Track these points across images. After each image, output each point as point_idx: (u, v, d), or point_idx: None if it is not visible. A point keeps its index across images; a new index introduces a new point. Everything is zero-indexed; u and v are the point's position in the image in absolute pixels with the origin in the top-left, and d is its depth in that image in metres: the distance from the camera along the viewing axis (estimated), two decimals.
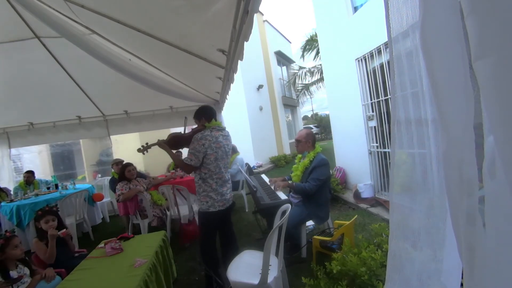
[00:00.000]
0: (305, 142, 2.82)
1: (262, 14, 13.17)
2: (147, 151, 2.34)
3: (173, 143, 2.34)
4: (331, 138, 6.74)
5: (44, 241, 2.27)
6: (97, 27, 2.44)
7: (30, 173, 4.52)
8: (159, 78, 3.11)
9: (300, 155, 2.96)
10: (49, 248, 2.23)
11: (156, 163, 5.72)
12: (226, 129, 2.45)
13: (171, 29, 2.04)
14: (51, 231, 2.27)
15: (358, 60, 4.43)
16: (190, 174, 3.58)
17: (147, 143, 2.33)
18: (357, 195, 4.38)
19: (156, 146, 2.33)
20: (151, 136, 3.24)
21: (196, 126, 2.42)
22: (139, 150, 2.31)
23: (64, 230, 2.39)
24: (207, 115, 2.34)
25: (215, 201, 2.20)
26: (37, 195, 4.16)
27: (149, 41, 2.19)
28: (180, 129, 2.60)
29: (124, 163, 3.88)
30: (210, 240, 2.29)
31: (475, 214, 0.47)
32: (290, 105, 15.56)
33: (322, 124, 22.86)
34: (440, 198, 0.68)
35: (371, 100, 4.30)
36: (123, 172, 3.58)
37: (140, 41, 2.31)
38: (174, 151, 2.34)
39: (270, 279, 1.70)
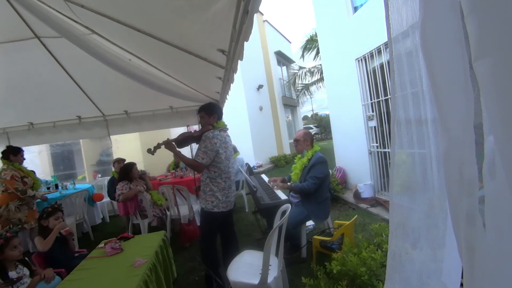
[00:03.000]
0: (304, 141, 2.83)
1: (262, 14, 13.16)
2: (156, 151, 2.31)
3: (183, 142, 2.36)
4: (331, 138, 6.74)
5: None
6: (97, 27, 2.44)
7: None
8: (159, 78, 3.10)
9: (299, 155, 2.96)
10: (49, 236, 2.27)
11: (156, 163, 5.72)
12: (228, 130, 2.47)
13: (171, 29, 2.04)
14: (62, 224, 2.36)
15: (358, 60, 4.43)
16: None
17: (158, 143, 2.31)
18: (357, 195, 4.38)
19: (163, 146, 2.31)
20: (151, 136, 3.24)
21: (199, 127, 2.42)
22: (149, 151, 2.30)
23: (67, 228, 2.41)
24: (218, 113, 2.37)
25: (220, 202, 2.22)
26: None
27: (149, 41, 2.19)
28: (182, 130, 2.59)
29: (127, 162, 3.88)
30: (211, 240, 2.30)
31: (475, 214, 0.47)
32: (290, 105, 15.55)
33: (322, 124, 22.88)
34: (440, 198, 0.68)
35: (371, 100, 4.30)
36: (126, 172, 3.58)
37: (140, 41, 2.31)
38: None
39: (270, 279, 1.70)
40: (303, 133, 2.92)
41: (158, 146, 2.30)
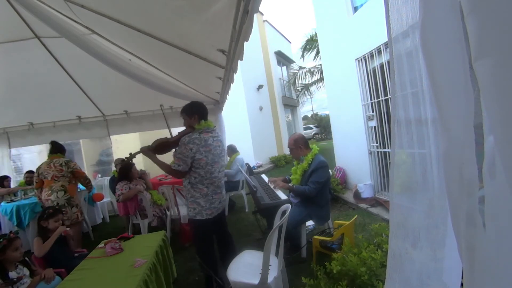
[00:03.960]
0: (296, 148, 2.75)
1: (262, 14, 13.17)
2: (131, 161, 2.24)
3: (160, 148, 2.21)
4: (331, 138, 6.75)
5: (44, 240, 2.29)
6: (97, 27, 2.44)
7: (31, 174, 4.52)
8: (159, 78, 3.11)
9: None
10: (48, 241, 2.25)
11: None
12: (216, 129, 2.28)
13: (171, 29, 2.04)
14: (61, 228, 2.35)
15: (358, 60, 4.43)
16: None
17: (130, 153, 2.21)
18: (357, 195, 4.38)
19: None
20: (151, 136, 3.23)
21: (183, 128, 2.26)
22: (122, 161, 2.21)
23: (68, 229, 2.42)
24: (200, 112, 2.17)
25: (202, 209, 2.09)
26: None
27: (149, 41, 2.19)
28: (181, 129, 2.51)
29: (126, 162, 3.88)
30: (204, 245, 2.22)
31: (475, 214, 0.47)
32: (290, 105, 15.56)
33: (322, 124, 22.85)
34: (440, 198, 0.68)
35: (371, 100, 4.30)
36: (125, 172, 3.57)
37: (140, 41, 2.31)
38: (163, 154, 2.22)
39: (270, 279, 1.70)
40: (293, 140, 2.79)
41: (133, 156, 2.19)
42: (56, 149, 3.51)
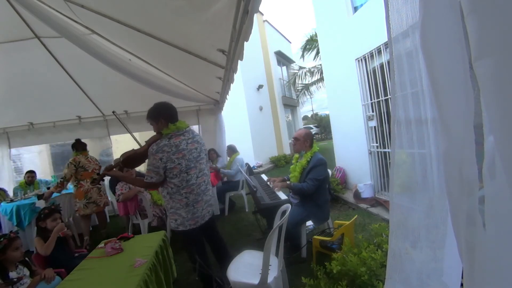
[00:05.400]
0: (303, 141, 2.79)
1: (262, 14, 13.16)
2: (103, 180, 2.10)
3: (128, 162, 2.04)
4: (331, 138, 6.74)
5: (45, 240, 2.29)
6: (97, 27, 2.44)
7: (32, 173, 4.53)
8: (159, 78, 3.11)
9: (297, 155, 2.94)
10: (49, 240, 2.25)
11: None
12: (190, 130, 2.04)
13: (171, 29, 2.04)
14: (60, 225, 2.35)
15: (358, 60, 4.43)
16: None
17: (98, 173, 2.11)
18: (357, 195, 4.38)
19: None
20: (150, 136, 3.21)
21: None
22: (93, 183, 2.10)
23: (65, 229, 2.41)
24: (167, 114, 1.94)
25: (184, 220, 1.95)
26: (37, 195, 4.16)
27: (149, 41, 2.19)
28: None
29: None
30: (196, 249, 2.13)
31: (475, 214, 0.47)
32: (290, 105, 15.56)
33: (322, 124, 22.86)
34: (440, 198, 0.68)
35: (371, 100, 4.30)
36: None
37: (140, 41, 2.31)
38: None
39: (270, 279, 1.70)
40: (304, 133, 2.87)
41: (102, 175, 2.07)
42: (84, 146, 3.88)
